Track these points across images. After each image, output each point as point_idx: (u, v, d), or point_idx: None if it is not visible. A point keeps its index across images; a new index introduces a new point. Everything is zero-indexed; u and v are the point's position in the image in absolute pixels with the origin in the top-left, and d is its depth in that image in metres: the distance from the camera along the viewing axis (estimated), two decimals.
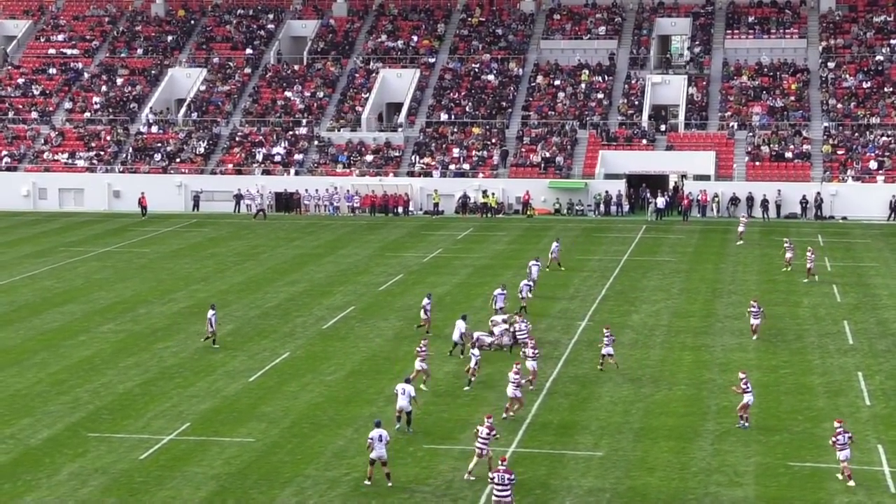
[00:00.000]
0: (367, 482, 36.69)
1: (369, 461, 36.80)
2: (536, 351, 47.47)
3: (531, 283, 61.68)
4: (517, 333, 51.18)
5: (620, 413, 43.84)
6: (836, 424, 37.73)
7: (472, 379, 47.20)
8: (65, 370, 50.41)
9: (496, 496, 33.20)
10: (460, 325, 51.08)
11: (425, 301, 55.59)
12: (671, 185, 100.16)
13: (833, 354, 52.25)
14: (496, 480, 33.31)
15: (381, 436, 36.76)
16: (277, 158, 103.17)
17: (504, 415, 42.86)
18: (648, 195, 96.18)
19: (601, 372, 48.79)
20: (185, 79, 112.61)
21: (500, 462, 34.19)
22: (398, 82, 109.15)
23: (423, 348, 47.15)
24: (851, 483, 36.49)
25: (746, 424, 41.70)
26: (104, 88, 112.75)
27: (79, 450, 40.39)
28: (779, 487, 36.65)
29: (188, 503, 35.70)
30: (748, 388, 41.76)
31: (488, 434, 37.00)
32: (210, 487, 36.95)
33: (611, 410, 44.09)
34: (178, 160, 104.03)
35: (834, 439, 37.21)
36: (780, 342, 54.31)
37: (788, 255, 68.80)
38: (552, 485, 36.91)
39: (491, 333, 53.12)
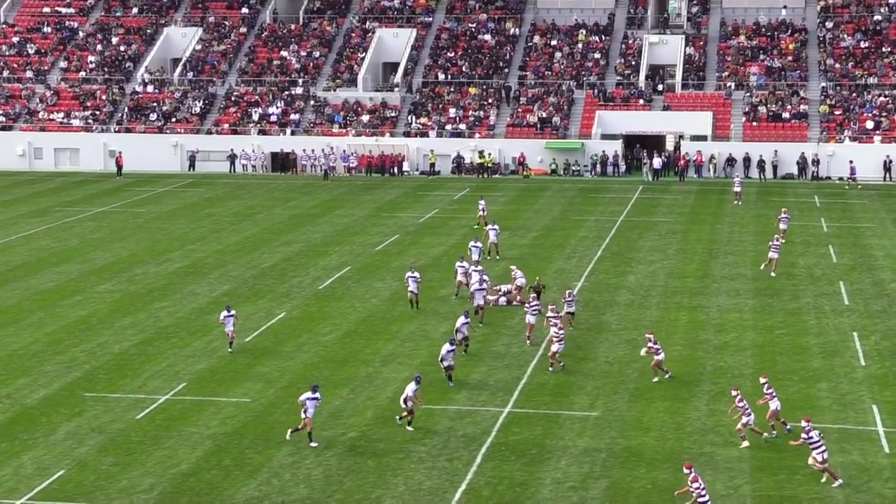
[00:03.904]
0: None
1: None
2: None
3: (479, 246, 60.20)
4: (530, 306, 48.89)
5: (616, 374, 43.91)
6: (761, 380, 38.32)
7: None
8: (61, 330, 50.44)
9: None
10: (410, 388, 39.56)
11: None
12: (670, 145, 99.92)
13: (829, 315, 52.33)
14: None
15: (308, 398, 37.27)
16: (273, 118, 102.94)
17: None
18: (645, 156, 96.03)
19: (593, 337, 48.82)
20: (181, 38, 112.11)
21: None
22: (394, 42, 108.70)
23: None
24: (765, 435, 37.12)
25: (789, 428, 37.56)
26: (99, 47, 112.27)
27: (75, 409, 40.47)
28: (773, 447, 36.75)
29: (185, 462, 35.79)
30: (772, 392, 37.96)
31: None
32: (206, 447, 37.04)
33: (606, 371, 44.18)
34: (173, 120, 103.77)
35: (767, 393, 37.48)
36: (775, 302, 54.36)
37: (782, 226, 67.54)
38: (548, 445, 37.01)
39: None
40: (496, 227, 64.90)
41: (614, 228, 72.79)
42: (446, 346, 42.73)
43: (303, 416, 36.88)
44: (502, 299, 53.88)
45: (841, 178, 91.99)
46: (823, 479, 33.97)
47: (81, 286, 58.39)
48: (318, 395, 37.46)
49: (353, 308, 53.78)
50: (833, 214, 77.64)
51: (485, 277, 52.86)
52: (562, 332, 44.60)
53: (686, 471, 31.52)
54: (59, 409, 40.58)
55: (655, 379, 42.80)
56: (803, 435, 34.21)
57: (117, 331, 50.31)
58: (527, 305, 48.50)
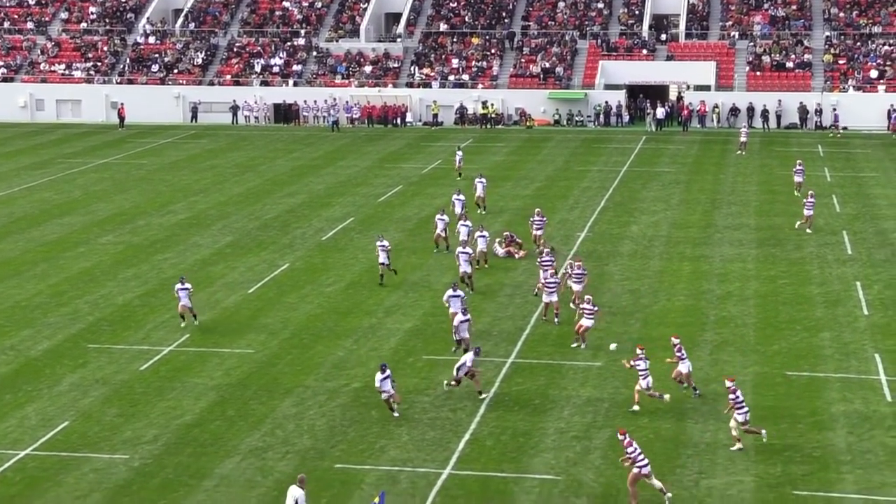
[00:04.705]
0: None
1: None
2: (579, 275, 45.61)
3: (462, 199, 58.88)
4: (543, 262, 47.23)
5: (619, 324, 43.94)
6: (637, 350, 36.11)
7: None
8: (64, 282, 50.50)
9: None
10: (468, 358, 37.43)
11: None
12: (674, 95, 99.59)
13: (832, 264, 52.31)
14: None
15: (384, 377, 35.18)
16: (276, 69, 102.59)
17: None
18: (648, 106, 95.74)
19: (596, 287, 48.77)
20: None
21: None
22: None
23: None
24: (636, 408, 35.56)
25: (698, 392, 36.82)
26: None
27: (79, 361, 40.56)
28: (776, 397, 36.83)
29: (188, 413, 35.89)
30: (682, 354, 36.84)
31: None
32: (210, 398, 37.14)
33: (609, 321, 44.16)
34: (175, 71, 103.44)
35: (634, 363, 35.63)
36: (779, 252, 54.34)
37: (797, 178, 66.54)
38: (551, 395, 37.07)
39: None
40: (483, 179, 64.01)
41: (617, 179, 72.68)
42: (459, 317, 40.58)
43: (384, 395, 35.11)
44: (501, 251, 53.68)
45: (846, 128, 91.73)
46: (735, 447, 32.79)
47: (84, 238, 58.42)
48: (388, 372, 35.18)
49: (356, 259, 53.78)
50: (837, 164, 77.48)
51: (483, 234, 51.90)
52: (557, 281, 44.20)
53: (620, 437, 30.41)
54: (62, 360, 40.68)
55: (574, 345, 41.25)
56: (730, 396, 33.02)
57: (120, 282, 50.37)
58: (539, 260, 47.98)
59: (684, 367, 36.76)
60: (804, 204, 58.89)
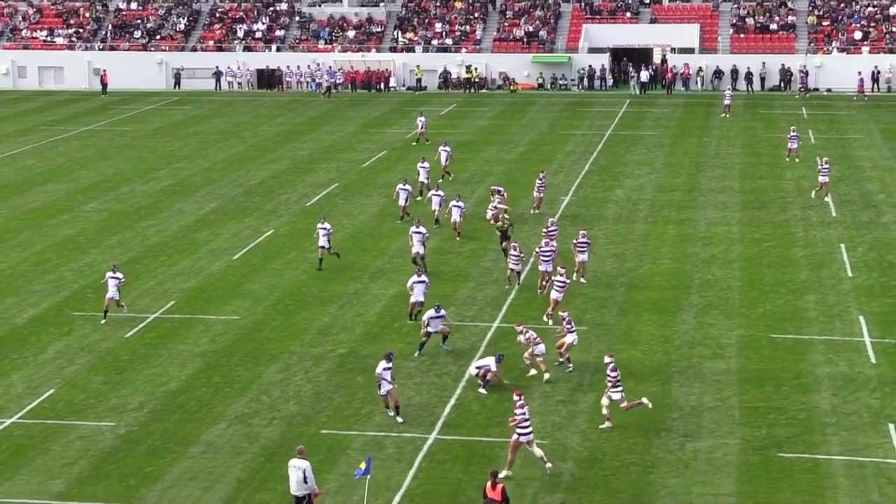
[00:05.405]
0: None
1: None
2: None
3: (426, 167, 57.97)
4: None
5: (604, 287, 43.99)
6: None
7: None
8: (49, 249, 50.37)
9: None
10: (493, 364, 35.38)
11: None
12: (657, 58, 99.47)
13: (816, 227, 52.41)
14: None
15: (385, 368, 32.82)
16: (258, 35, 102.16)
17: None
18: (632, 69, 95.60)
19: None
20: None
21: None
22: None
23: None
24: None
25: (571, 367, 36.22)
26: None
27: (64, 328, 40.50)
28: (761, 359, 36.95)
29: (174, 380, 35.88)
30: (571, 327, 36.36)
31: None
32: (196, 365, 37.12)
33: (594, 285, 44.23)
34: (158, 37, 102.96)
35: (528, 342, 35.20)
36: (763, 215, 54.41)
37: (792, 145, 65.68)
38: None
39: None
40: (448, 147, 62.84)
41: (602, 142, 72.63)
42: (430, 312, 37.56)
43: (380, 391, 32.75)
44: (489, 214, 53.59)
45: (829, 90, 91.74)
46: (604, 426, 32.07)
47: (68, 205, 58.26)
48: (391, 364, 32.80)
49: (340, 224, 53.68)
50: (821, 126, 77.51)
51: (459, 203, 51.13)
52: (553, 250, 43.85)
53: (515, 397, 29.83)
54: (47, 328, 40.61)
55: (545, 318, 40.64)
56: (609, 373, 32.09)
57: (105, 249, 50.26)
58: (545, 229, 47.14)
59: (570, 339, 36.15)
60: (819, 171, 57.91)
